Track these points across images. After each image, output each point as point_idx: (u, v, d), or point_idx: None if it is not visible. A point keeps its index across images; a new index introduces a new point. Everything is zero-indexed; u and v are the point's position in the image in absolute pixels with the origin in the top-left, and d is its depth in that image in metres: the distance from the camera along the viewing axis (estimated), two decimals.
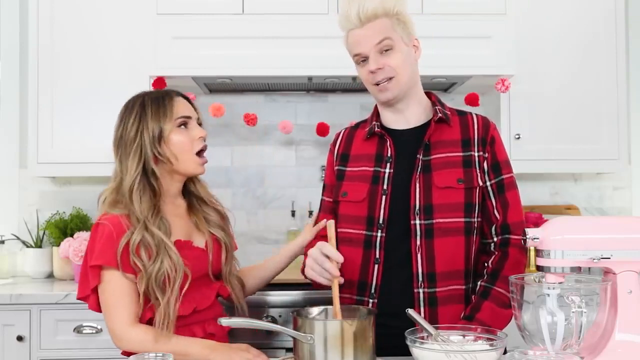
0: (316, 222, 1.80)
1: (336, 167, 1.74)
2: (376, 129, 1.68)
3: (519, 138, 2.69)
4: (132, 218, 1.54)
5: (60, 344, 2.37)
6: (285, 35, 2.51)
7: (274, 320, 2.30)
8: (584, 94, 2.73)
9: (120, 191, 1.59)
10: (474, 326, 1.37)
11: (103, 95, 2.67)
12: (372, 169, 1.66)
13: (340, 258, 1.46)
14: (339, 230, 1.68)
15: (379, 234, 1.61)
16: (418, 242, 1.57)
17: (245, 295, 1.81)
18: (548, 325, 1.21)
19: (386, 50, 1.59)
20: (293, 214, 2.97)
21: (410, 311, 1.37)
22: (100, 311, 1.57)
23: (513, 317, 1.32)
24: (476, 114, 1.71)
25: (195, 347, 1.51)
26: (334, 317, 1.41)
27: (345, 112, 2.97)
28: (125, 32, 2.67)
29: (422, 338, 1.29)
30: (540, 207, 2.92)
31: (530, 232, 1.27)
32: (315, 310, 1.45)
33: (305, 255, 1.63)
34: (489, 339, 1.28)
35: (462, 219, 1.59)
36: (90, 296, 1.56)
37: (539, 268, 1.28)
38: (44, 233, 2.85)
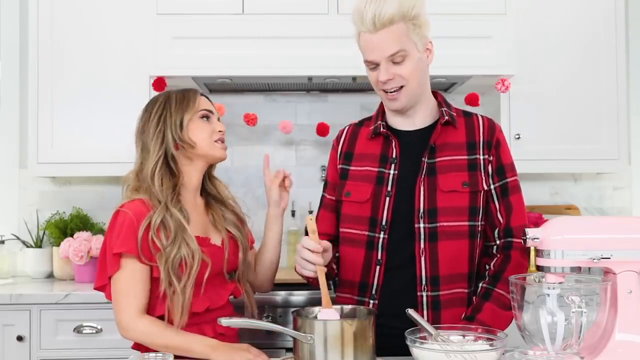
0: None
1: (339, 165, 1.73)
2: (381, 129, 1.67)
3: (519, 138, 2.69)
4: (153, 200, 1.58)
5: (60, 344, 2.37)
6: (285, 35, 2.50)
7: (274, 320, 2.29)
8: (584, 94, 2.73)
9: (141, 176, 1.63)
10: (474, 326, 1.37)
11: (103, 95, 2.67)
12: (376, 169, 1.65)
13: (317, 247, 1.45)
14: (340, 230, 1.69)
15: (381, 236, 1.60)
16: (422, 245, 1.57)
17: (259, 286, 1.83)
18: (548, 325, 1.21)
19: (398, 60, 1.55)
20: (293, 214, 2.97)
21: (410, 311, 1.37)
22: None
23: (513, 319, 1.32)
24: (482, 116, 1.70)
25: (198, 345, 1.52)
26: (324, 307, 1.41)
27: (345, 112, 2.96)
28: (125, 32, 2.67)
29: (422, 338, 1.29)
30: (540, 207, 2.92)
31: (530, 232, 1.28)
32: (315, 310, 1.45)
33: None
34: (489, 339, 1.28)
35: (467, 223, 1.58)
36: (107, 285, 1.58)
37: (539, 268, 1.28)
38: (44, 233, 2.85)
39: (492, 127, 1.66)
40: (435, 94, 1.72)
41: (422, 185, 1.59)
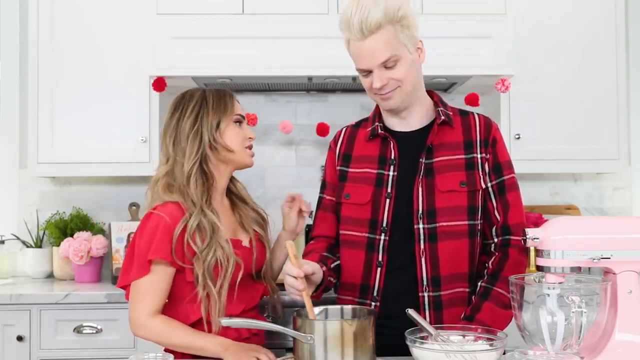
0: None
1: (338, 167, 1.73)
2: (379, 130, 1.67)
3: (519, 138, 2.69)
4: (188, 202, 1.58)
5: (60, 344, 2.37)
6: (285, 35, 2.50)
7: (274, 320, 2.29)
8: (584, 94, 2.73)
9: (173, 175, 1.63)
10: (474, 326, 1.37)
11: (103, 95, 2.67)
12: (375, 171, 1.65)
13: (299, 273, 1.42)
14: (340, 232, 1.69)
15: (382, 237, 1.60)
16: (422, 246, 1.57)
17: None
18: (548, 325, 1.21)
19: (391, 65, 1.54)
20: None
21: (411, 311, 1.37)
22: None
23: (513, 318, 1.32)
24: (478, 114, 1.70)
25: (210, 344, 1.52)
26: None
27: (345, 112, 2.96)
28: (125, 32, 2.67)
29: (422, 338, 1.29)
30: (540, 207, 2.92)
31: (530, 232, 1.27)
32: (315, 310, 1.45)
33: None
34: (489, 339, 1.28)
35: (466, 222, 1.58)
36: (129, 285, 1.59)
37: (539, 268, 1.28)
38: (44, 233, 2.85)
39: (488, 125, 1.66)
40: (431, 93, 1.71)
41: (420, 185, 1.59)
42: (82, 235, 2.72)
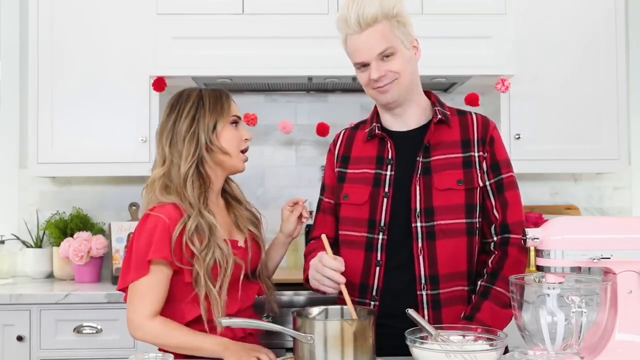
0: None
1: (337, 169, 1.74)
2: (377, 130, 1.68)
3: (519, 138, 2.69)
4: (185, 204, 1.58)
5: (60, 344, 2.37)
6: (285, 35, 2.50)
7: (274, 320, 2.29)
8: (584, 94, 2.73)
9: (170, 176, 1.62)
10: (474, 326, 1.37)
11: (103, 95, 2.67)
12: (373, 171, 1.65)
13: (340, 267, 1.47)
14: (340, 232, 1.69)
15: (380, 237, 1.60)
16: (420, 245, 1.57)
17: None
18: (548, 325, 1.21)
19: (387, 56, 1.57)
20: None
21: (410, 311, 1.37)
22: None
23: (513, 317, 1.32)
24: (476, 114, 1.70)
25: (209, 343, 1.52)
26: (352, 319, 1.40)
27: (345, 112, 2.96)
28: (125, 32, 2.67)
29: (422, 338, 1.29)
30: (540, 207, 2.92)
31: (530, 232, 1.28)
32: (315, 310, 1.45)
33: (307, 265, 1.63)
34: (489, 339, 1.28)
35: (464, 220, 1.58)
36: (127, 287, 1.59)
37: (539, 268, 1.28)
38: (44, 233, 2.85)
39: (486, 124, 1.67)
40: (429, 94, 1.72)
41: (418, 184, 1.59)
42: (82, 235, 2.72)
